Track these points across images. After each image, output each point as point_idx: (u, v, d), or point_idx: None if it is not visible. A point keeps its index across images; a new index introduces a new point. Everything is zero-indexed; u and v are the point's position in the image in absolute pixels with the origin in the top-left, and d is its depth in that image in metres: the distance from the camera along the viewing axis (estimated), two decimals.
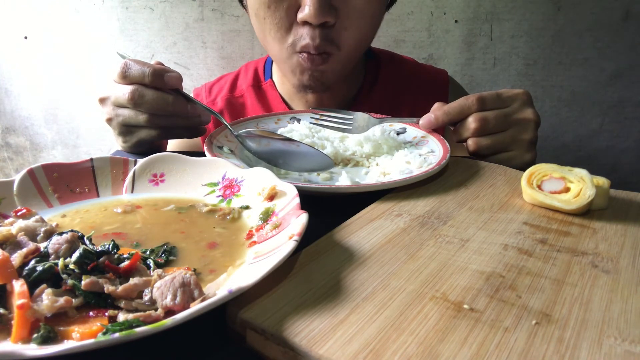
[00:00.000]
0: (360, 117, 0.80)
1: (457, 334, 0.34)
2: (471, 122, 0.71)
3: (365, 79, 1.05)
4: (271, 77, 1.07)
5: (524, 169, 0.62)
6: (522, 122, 0.71)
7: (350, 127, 0.79)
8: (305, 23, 0.81)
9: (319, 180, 0.67)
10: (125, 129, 0.76)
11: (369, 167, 0.72)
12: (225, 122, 0.73)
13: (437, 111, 0.73)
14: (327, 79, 0.89)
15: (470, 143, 0.73)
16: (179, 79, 0.71)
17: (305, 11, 0.78)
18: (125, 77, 0.70)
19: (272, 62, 1.09)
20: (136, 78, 0.69)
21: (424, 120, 0.75)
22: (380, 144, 0.76)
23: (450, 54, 1.59)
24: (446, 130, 1.01)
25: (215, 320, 0.37)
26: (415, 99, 1.05)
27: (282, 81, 1.04)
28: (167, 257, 0.44)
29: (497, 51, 1.59)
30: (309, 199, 0.51)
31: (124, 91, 0.70)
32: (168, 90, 0.71)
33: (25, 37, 1.57)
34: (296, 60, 0.86)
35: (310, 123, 0.80)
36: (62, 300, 0.35)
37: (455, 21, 1.56)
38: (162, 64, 0.73)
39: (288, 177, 0.66)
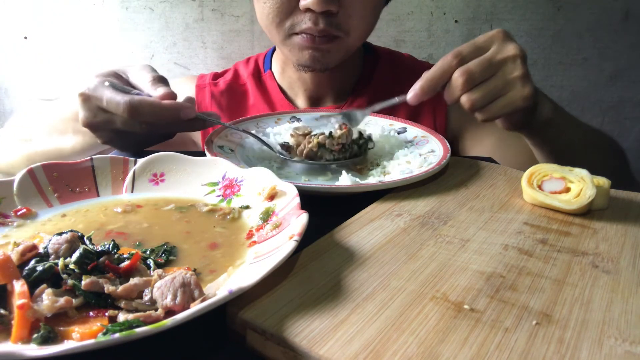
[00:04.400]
0: (348, 115, 0.78)
1: (457, 335, 0.34)
2: (457, 79, 0.67)
3: (363, 72, 1.05)
4: (270, 69, 1.07)
5: (527, 107, 0.63)
6: (507, 60, 0.68)
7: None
8: (307, 10, 0.81)
9: (319, 180, 0.67)
10: (116, 135, 0.70)
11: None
12: (248, 132, 0.73)
13: (420, 81, 0.70)
14: (328, 60, 0.89)
15: (464, 100, 0.69)
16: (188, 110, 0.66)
17: None
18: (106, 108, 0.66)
19: (271, 54, 1.09)
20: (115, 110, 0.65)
21: (410, 96, 0.71)
22: (381, 144, 0.75)
23: None
24: (450, 110, 1.00)
25: (215, 320, 0.37)
26: None
27: (283, 70, 1.05)
28: (167, 257, 0.44)
29: None
30: (309, 199, 0.51)
31: (117, 101, 0.64)
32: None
33: (25, 37, 1.57)
34: (295, 41, 0.87)
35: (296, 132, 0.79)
36: (62, 300, 0.35)
37: (455, 21, 1.56)
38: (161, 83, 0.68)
39: (288, 178, 0.66)
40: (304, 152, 0.70)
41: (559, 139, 0.80)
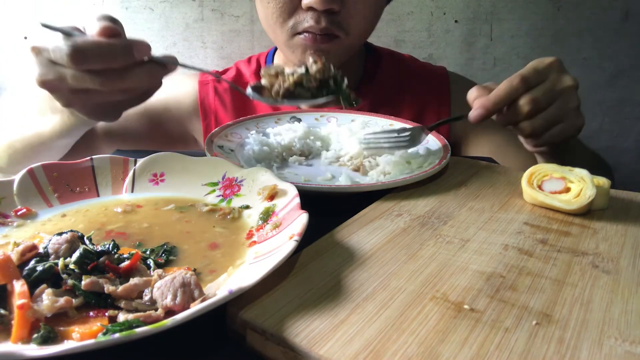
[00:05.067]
0: (414, 131, 0.74)
1: (457, 335, 0.34)
2: (523, 106, 0.69)
3: (365, 72, 1.05)
4: None
5: (576, 136, 0.65)
6: (565, 91, 0.70)
7: (407, 143, 0.73)
8: (309, 8, 0.82)
9: (319, 180, 0.67)
10: (74, 95, 0.59)
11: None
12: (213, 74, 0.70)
13: (486, 102, 0.70)
14: (330, 61, 0.89)
15: (526, 126, 0.71)
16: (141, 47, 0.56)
17: None
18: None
19: (273, 54, 1.09)
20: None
21: (474, 115, 0.71)
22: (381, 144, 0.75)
23: (450, 54, 1.59)
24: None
25: (215, 320, 0.37)
26: (415, 92, 1.05)
27: None
28: (167, 257, 0.44)
29: (497, 51, 1.59)
30: (309, 199, 0.51)
31: (60, 47, 0.54)
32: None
33: (25, 37, 1.57)
34: (297, 41, 0.87)
35: (364, 149, 0.74)
36: (62, 300, 0.35)
37: (455, 21, 1.56)
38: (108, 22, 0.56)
39: (288, 178, 0.66)
40: (280, 92, 0.65)
41: (572, 162, 0.83)
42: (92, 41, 0.54)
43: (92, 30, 0.56)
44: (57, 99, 0.61)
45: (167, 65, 0.59)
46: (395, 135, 0.74)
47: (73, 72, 0.55)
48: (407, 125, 0.77)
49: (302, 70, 0.66)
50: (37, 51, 0.57)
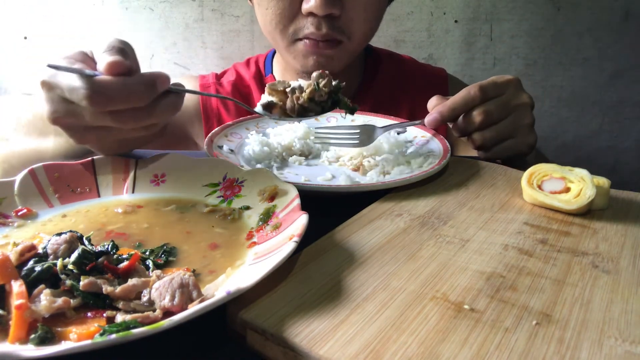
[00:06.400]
0: (365, 128, 0.76)
1: (457, 335, 0.34)
2: (476, 116, 0.71)
3: (365, 74, 1.05)
4: (272, 72, 1.07)
5: (528, 153, 0.64)
6: (520, 107, 0.72)
7: (358, 141, 0.74)
8: (310, 14, 0.81)
9: (319, 180, 0.66)
10: (91, 134, 0.55)
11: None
12: (249, 108, 0.67)
13: (442, 108, 0.72)
14: (333, 66, 0.89)
15: (477, 137, 0.73)
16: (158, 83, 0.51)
17: (311, 2, 0.79)
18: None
19: (272, 57, 1.09)
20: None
21: (429, 119, 0.73)
22: (380, 144, 0.75)
23: (450, 54, 1.59)
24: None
25: (216, 320, 0.37)
26: (414, 94, 1.05)
27: (283, 75, 1.05)
28: (166, 257, 0.44)
29: (497, 51, 1.59)
30: (309, 199, 0.51)
31: (76, 87, 0.49)
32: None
33: (25, 37, 1.57)
34: (299, 47, 0.87)
35: (315, 143, 0.76)
36: (60, 300, 0.35)
37: (455, 21, 1.56)
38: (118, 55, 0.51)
39: (288, 178, 0.66)
40: (295, 109, 0.65)
41: None
42: (112, 81, 0.49)
43: (102, 64, 0.50)
44: (71, 136, 0.56)
45: (179, 92, 0.55)
46: (346, 131, 0.75)
47: (92, 112, 0.50)
48: (362, 123, 0.79)
49: (306, 82, 0.66)
50: (49, 87, 0.52)
